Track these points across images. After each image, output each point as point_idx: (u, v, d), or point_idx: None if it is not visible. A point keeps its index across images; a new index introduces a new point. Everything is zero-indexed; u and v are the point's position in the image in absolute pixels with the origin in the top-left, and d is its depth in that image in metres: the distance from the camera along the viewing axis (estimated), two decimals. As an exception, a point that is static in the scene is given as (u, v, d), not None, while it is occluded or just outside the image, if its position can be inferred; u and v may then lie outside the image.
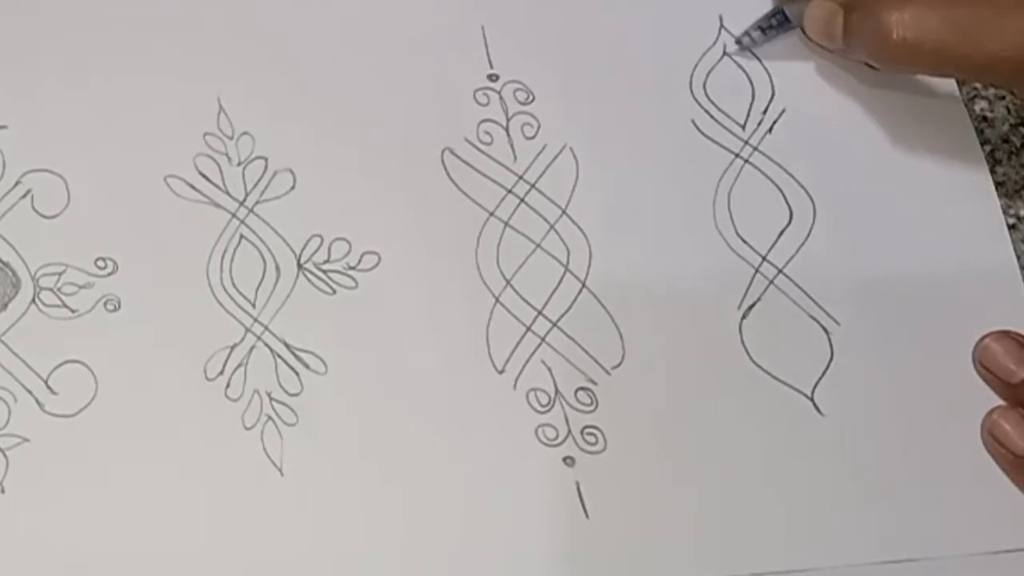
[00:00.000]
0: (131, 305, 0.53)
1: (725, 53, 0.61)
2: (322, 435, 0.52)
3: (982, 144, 0.61)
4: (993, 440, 0.56)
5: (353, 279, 0.55)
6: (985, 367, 0.57)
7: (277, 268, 0.54)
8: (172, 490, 0.51)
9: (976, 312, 0.57)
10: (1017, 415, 0.55)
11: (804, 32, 0.59)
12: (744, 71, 0.61)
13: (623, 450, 0.54)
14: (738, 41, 0.61)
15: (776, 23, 0.60)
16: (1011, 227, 0.59)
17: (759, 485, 0.54)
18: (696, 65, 0.61)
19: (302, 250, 0.55)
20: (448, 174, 0.57)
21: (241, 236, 0.55)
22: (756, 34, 0.60)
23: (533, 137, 0.58)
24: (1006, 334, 0.57)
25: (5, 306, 0.52)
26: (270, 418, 0.52)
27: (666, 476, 0.54)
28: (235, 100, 0.57)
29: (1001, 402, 0.56)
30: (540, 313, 0.55)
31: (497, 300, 0.55)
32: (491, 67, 0.59)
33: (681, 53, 0.61)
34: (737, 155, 0.59)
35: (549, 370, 0.55)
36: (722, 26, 0.61)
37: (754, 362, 0.56)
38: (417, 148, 0.57)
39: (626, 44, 0.60)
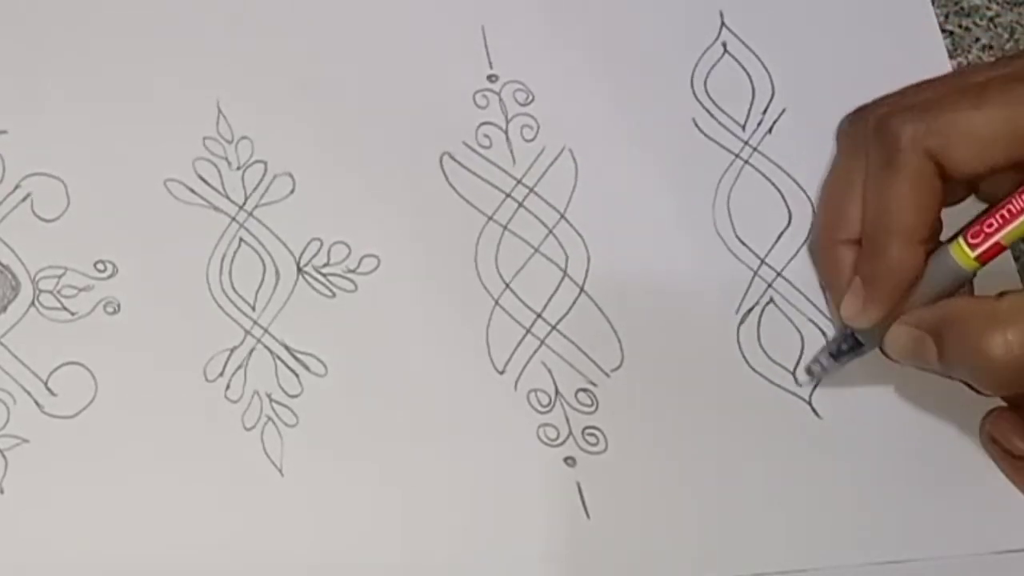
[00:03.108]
0: (131, 308, 0.53)
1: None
2: (322, 436, 0.52)
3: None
4: (992, 441, 0.56)
5: (353, 282, 0.55)
6: (985, 368, 0.57)
7: (277, 271, 0.55)
8: (172, 491, 0.51)
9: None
10: (1016, 416, 0.55)
11: (884, 353, 0.54)
12: (745, 70, 0.61)
13: (624, 451, 0.54)
14: (808, 371, 0.56)
15: (847, 347, 0.55)
16: (1010, 227, 0.60)
17: (759, 486, 0.54)
18: (696, 64, 0.61)
19: (302, 253, 0.55)
20: (447, 178, 0.57)
21: (241, 240, 0.55)
22: (827, 361, 0.55)
23: (532, 139, 0.58)
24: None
25: (5, 308, 0.52)
26: (270, 419, 0.52)
27: (667, 477, 0.54)
28: (234, 104, 0.57)
29: (1000, 402, 0.56)
30: (539, 316, 0.55)
31: (496, 303, 0.55)
32: (491, 67, 0.59)
33: (681, 52, 0.61)
34: (737, 155, 0.59)
35: (549, 371, 0.55)
36: (722, 24, 0.62)
37: (751, 366, 0.56)
38: (416, 152, 0.57)
39: (626, 43, 0.61)
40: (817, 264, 0.58)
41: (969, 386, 0.52)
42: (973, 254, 0.51)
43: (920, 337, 0.51)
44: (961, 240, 0.51)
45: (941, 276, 0.52)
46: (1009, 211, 0.51)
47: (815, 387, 0.56)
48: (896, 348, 0.53)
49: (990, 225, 0.51)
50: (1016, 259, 0.59)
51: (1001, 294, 0.50)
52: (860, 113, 0.54)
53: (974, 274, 0.52)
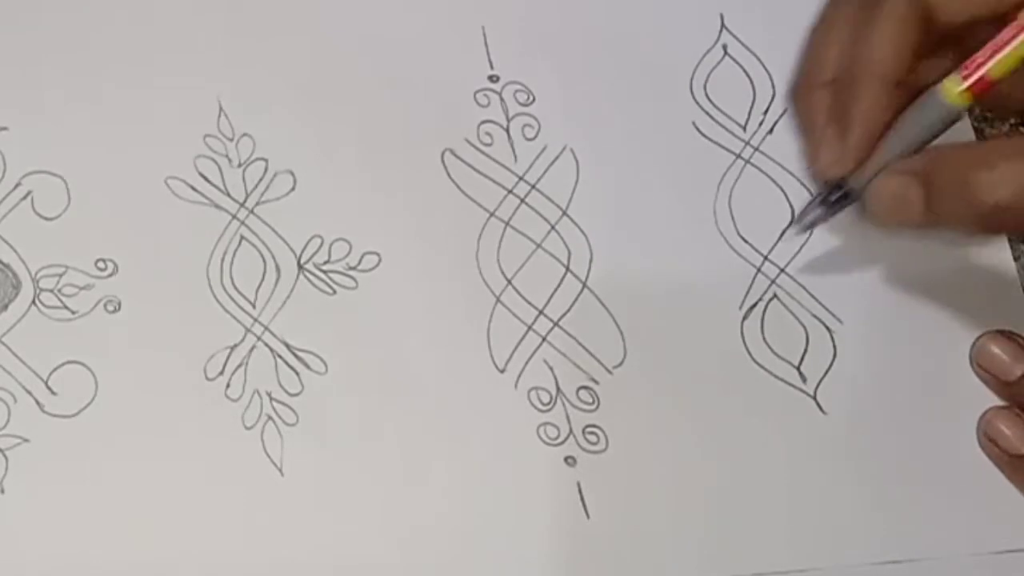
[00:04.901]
0: (131, 306, 0.53)
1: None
2: (322, 435, 0.52)
3: (983, 144, 0.61)
4: (988, 440, 0.56)
5: (353, 279, 0.55)
6: (982, 367, 0.57)
7: (277, 269, 0.55)
8: (172, 490, 0.51)
9: (975, 312, 0.57)
10: (1012, 414, 0.56)
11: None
12: (745, 71, 0.61)
13: (625, 450, 0.54)
14: (799, 220, 0.56)
15: (837, 197, 0.54)
16: (1011, 227, 0.59)
17: (760, 485, 0.54)
18: (696, 66, 0.61)
19: (302, 251, 0.55)
20: (449, 175, 0.57)
21: (241, 237, 0.55)
22: (819, 211, 0.55)
23: (534, 138, 0.58)
24: (1003, 334, 0.57)
25: (6, 307, 0.52)
26: (270, 418, 0.52)
27: (667, 476, 0.54)
28: (235, 102, 0.57)
29: (999, 402, 0.56)
30: (541, 313, 0.55)
31: (498, 300, 0.55)
32: (491, 68, 0.59)
33: (681, 53, 0.61)
34: (738, 156, 0.59)
35: (551, 369, 0.55)
36: (723, 26, 0.61)
37: (756, 361, 0.56)
38: (417, 149, 0.57)
39: (626, 44, 0.60)
40: (794, 109, 0.58)
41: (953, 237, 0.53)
42: (960, 87, 0.51)
43: (907, 184, 0.51)
44: (952, 76, 0.51)
45: (930, 116, 0.52)
46: (997, 44, 0.51)
47: (808, 236, 0.57)
48: (882, 198, 0.52)
49: (977, 58, 0.51)
50: (1016, 259, 0.59)
51: (990, 137, 0.51)
52: None
53: (962, 114, 0.52)
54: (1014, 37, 0.50)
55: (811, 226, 0.56)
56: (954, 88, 0.51)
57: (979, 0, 0.51)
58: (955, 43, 0.53)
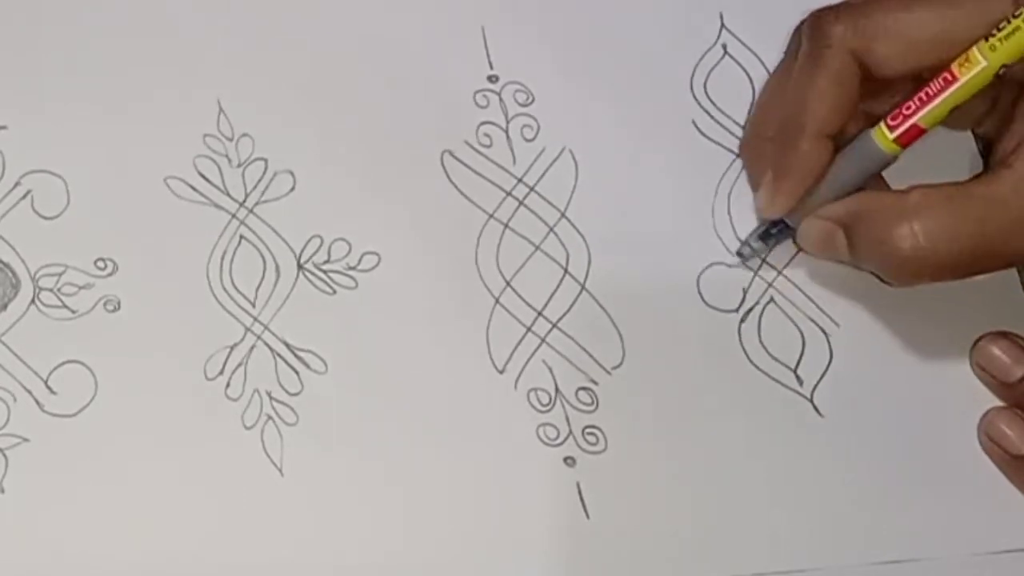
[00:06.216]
0: (131, 305, 0.53)
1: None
2: (322, 435, 0.52)
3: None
4: (989, 441, 0.56)
5: (353, 279, 0.55)
6: (982, 368, 0.57)
7: (277, 268, 0.54)
8: (172, 490, 0.51)
9: (974, 313, 0.58)
10: (1013, 415, 0.56)
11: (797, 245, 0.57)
12: (745, 70, 0.61)
13: (624, 450, 0.54)
14: (739, 253, 0.57)
15: (777, 231, 0.56)
16: (1010, 228, 0.59)
17: (759, 486, 0.54)
18: (696, 65, 0.61)
19: (302, 250, 0.55)
20: (448, 176, 0.57)
21: (241, 237, 0.55)
22: (757, 244, 0.57)
23: (532, 139, 0.58)
24: (1003, 335, 0.57)
25: (5, 306, 0.52)
26: (270, 418, 0.52)
27: (667, 476, 0.54)
28: (235, 102, 0.57)
29: (998, 402, 0.56)
30: (540, 314, 0.55)
31: (497, 301, 0.55)
32: (491, 68, 0.59)
33: (681, 53, 0.61)
34: (737, 156, 0.59)
35: (550, 369, 0.55)
36: (722, 26, 0.61)
37: (753, 364, 0.56)
38: (417, 150, 0.57)
39: (626, 44, 0.60)
40: (743, 159, 0.59)
41: (879, 278, 0.54)
42: (892, 136, 0.52)
43: (831, 230, 0.53)
44: (882, 124, 0.53)
45: (863, 161, 0.53)
46: (927, 93, 0.52)
47: (757, 268, 0.58)
48: (808, 241, 0.55)
49: (908, 107, 0.52)
50: (1019, 270, 0.59)
51: (911, 188, 0.51)
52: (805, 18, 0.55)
53: (894, 159, 0.53)
54: (943, 89, 0.51)
55: (750, 258, 0.58)
56: (886, 135, 0.52)
57: (917, 54, 0.52)
58: (892, 88, 0.54)
